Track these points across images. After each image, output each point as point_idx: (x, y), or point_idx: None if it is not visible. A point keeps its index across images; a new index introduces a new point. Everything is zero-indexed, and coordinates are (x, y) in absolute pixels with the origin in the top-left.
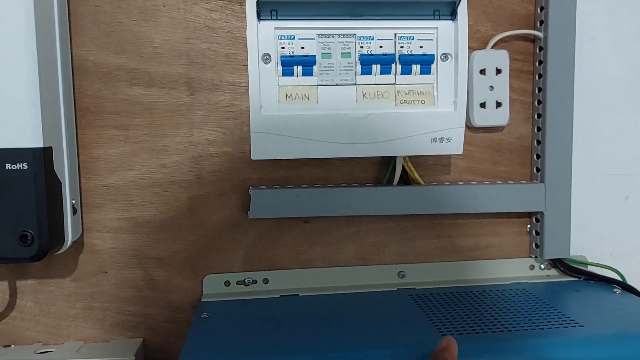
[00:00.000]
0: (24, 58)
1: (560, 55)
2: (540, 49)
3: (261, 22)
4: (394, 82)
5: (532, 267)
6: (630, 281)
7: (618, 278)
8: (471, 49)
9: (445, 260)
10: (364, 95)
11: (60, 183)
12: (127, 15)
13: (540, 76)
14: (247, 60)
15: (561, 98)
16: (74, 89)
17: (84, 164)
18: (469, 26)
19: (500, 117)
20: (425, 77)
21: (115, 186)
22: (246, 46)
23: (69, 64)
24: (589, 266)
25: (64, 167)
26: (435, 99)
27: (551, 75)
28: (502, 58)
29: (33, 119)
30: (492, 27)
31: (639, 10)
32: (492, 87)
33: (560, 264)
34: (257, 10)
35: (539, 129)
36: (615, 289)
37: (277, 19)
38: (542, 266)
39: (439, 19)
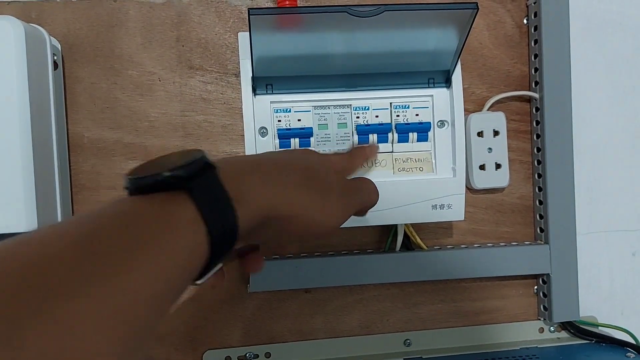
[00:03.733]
0: (18, 142)
1: (557, 116)
2: (537, 109)
3: (257, 96)
4: (391, 151)
5: (541, 330)
6: None
7: (631, 340)
8: (467, 111)
9: (452, 325)
10: (362, 165)
11: None
12: (122, 91)
13: (538, 136)
14: (243, 130)
15: (561, 158)
16: (69, 166)
17: None
18: (464, 89)
19: (500, 178)
20: (422, 145)
21: None
22: (242, 116)
23: (65, 142)
24: (600, 327)
25: None
26: (434, 165)
27: (549, 135)
28: (498, 120)
29: (28, 203)
30: (487, 89)
31: (635, 63)
32: (490, 149)
33: (570, 326)
34: (252, 86)
35: (540, 189)
36: (629, 353)
37: (272, 93)
38: (552, 328)
39: (434, 87)
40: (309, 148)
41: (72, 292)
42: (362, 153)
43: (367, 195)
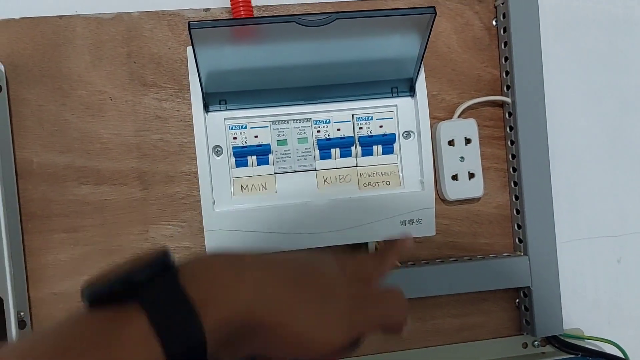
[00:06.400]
0: None
1: (531, 120)
2: (510, 114)
3: (209, 113)
4: (355, 165)
5: (525, 345)
6: (631, 352)
7: (618, 353)
8: (438, 119)
9: (431, 344)
10: (325, 181)
11: (2, 300)
12: (72, 112)
13: (512, 142)
14: None
15: (536, 164)
16: (18, 194)
17: (32, 272)
18: (434, 96)
19: (474, 188)
20: (388, 157)
21: (67, 294)
22: None
23: (12, 168)
24: (586, 339)
25: (5, 281)
26: (401, 179)
27: (523, 141)
28: (470, 127)
29: None
30: (457, 95)
31: (609, 63)
32: (462, 157)
33: (555, 340)
34: (204, 102)
35: (517, 198)
36: None
37: (226, 110)
38: (536, 343)
39: (398, 96)
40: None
41: None
42: (394, 250)
43: (391, 310)
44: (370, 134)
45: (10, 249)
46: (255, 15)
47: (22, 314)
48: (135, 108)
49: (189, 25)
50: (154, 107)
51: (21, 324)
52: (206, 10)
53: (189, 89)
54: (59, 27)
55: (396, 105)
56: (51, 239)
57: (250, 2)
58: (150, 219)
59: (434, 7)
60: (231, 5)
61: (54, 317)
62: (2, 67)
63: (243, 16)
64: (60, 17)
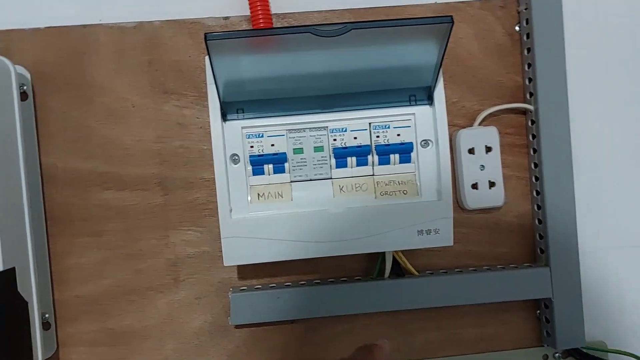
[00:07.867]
0: None
1: (554, 128)
2: (533, 122)
3: (227, 122)
4: (372, 174)
5: (545, 357)
6: None
7: None
8: (458, 126)
9: (449, 354)
10: (341, 189)
11: (27, 303)
12: (95, 119)
13: (535, 151)
14: None
15: (559, 174)
16: (43, 199)
17: (57, 274)
18: (454, 103)
19: (494, 197)
20: (405, 166)
21: (89, 296)
22: None
23: (38, 174)
24: (609, 353)
25: (30, 284)
26: (418, 188)
27: (546, 150)
28: (491, 135)
29: None
30: (478, 102)
31: (632, 69)
32: (482, 166)
33: (577, 353)
34: (222, 111)
35: (539, 207)
36: None
37: (243, 119)
38: (557, 355)
39: (416, 104)
40: None
41: None
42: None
43: None
44: (387, 143)
45: (35, 252)
46: (274, 24)
47: (46, 315)
48: (156, 115)
49: (205, 36)
50: (175, 114)
51: (45, 325)
52: (225, 18)
53: None
54: (82, 36)
55: (414, 114)
56: (75, 242)
57: (269, 12)
58: (171, 224)
59: (451, 16)
60: (251, 14)
61: (76, 319)
62: (29, 75)
63: (262, 26)
64: (84, 26)
